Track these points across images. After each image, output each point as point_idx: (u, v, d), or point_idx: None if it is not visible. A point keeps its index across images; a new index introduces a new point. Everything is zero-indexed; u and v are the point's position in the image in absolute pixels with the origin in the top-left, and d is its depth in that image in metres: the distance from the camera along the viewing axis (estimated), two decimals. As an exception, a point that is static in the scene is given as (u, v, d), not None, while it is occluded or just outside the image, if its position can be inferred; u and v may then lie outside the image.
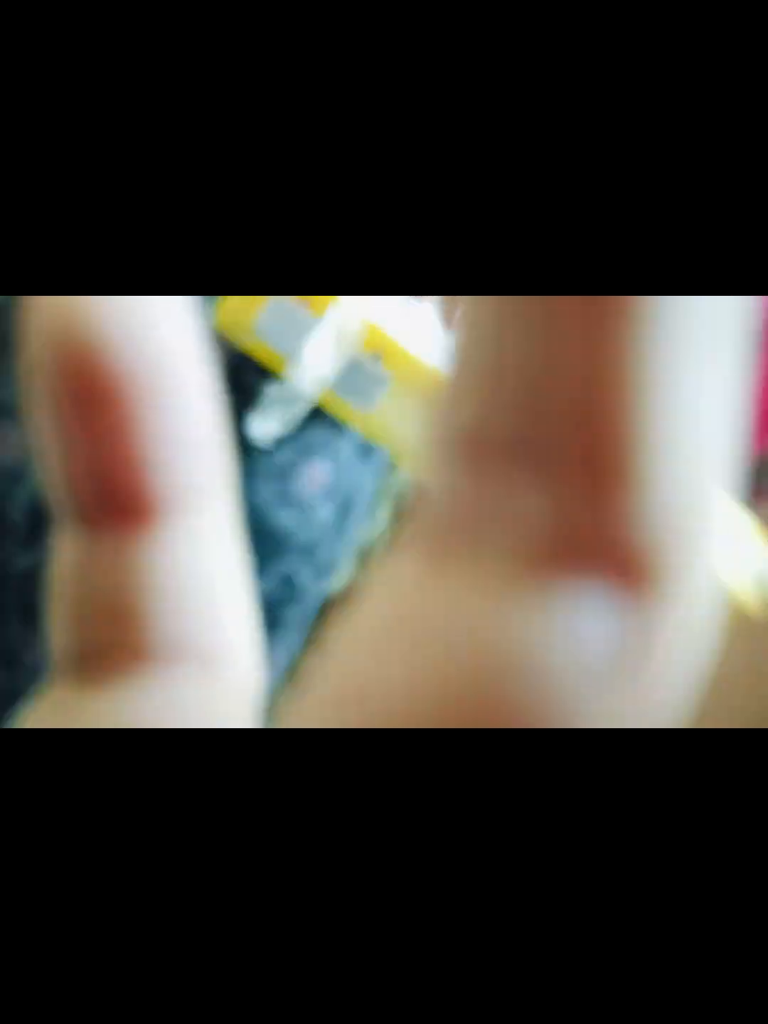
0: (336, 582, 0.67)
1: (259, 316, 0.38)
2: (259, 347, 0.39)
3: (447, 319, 0.41)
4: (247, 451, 0.52)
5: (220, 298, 0.39)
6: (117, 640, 0.09)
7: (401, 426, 0.40)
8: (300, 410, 0.39)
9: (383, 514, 1.80)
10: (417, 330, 0.39)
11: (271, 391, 0.39)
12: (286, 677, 1.60)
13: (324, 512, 0.58)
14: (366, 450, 0.59)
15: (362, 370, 0.38)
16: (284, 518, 0.56)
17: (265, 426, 0.40)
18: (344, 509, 0.60)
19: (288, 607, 0.62)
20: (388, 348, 0.38)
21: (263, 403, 0.40)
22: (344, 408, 0.40)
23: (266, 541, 0.56)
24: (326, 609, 0.69)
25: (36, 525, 0.54)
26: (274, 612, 0.62)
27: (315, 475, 0.56)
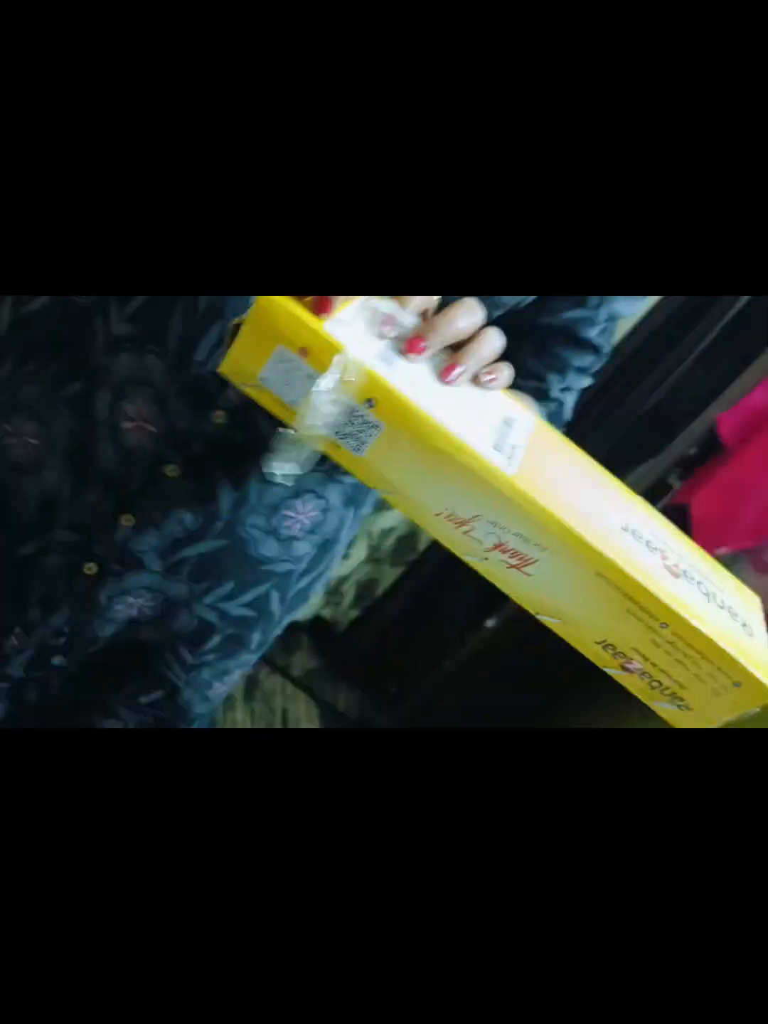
0: (302, 612, 0.67)
1: (265, 367, 0.39)
2: (262, 394, 0.40)
3: (444, 375, 0.41)
4: (246, 486, 0.54)
5: (228, 347, 0.40)
6: None
7: (391, 472, 0.40)
8: (313, 452, 0.40)
9: (357, 553, 1.78)
10: (415, 383, 0.40)
11: (285, 435, 0.40)
12: (239, 689, 1.57)
13: (304, 548, 0.60)
14: (354, 497, 0.61)
15: (355, 416, 0.39)
16: (267, 548, 0.58)
17: (284, 468, 0.41)
18: (323, 548, 0.62)
19: (254, 629, 0.63)
20: (383, 398, 0.38)
21: (278, 446, 0.40)
22: (336, 450, 0.40)
23: (248, 567, 0.58)
24: (286, 634, 0.69)
25: (40, 517, 0.54)
26: (241, 631, 0.63)
27: (303, 513, 0.57)
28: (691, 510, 1.38)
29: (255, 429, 0.46)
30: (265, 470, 0.40)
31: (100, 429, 0.52)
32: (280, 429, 0.40)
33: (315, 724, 1.87)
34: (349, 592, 1.88)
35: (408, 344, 0.41)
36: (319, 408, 0.38)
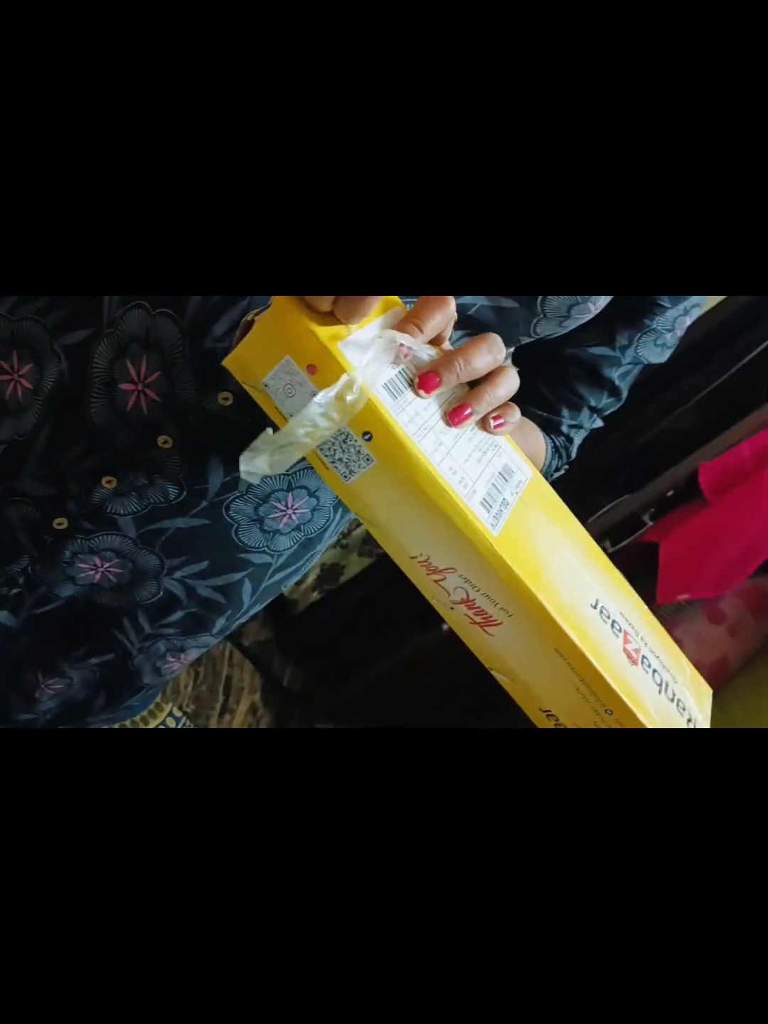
0: (267, 604, 0.65)
1: (269, 374, 0.37)
2: (262, 397, 0.39)
3: (452, 419, 0.40)
4: (238, 475, 0.51)
5: (237, 342, 0.38)
6: None
7: (375, 506, 0.39)
8: (289, 459, 0.38)
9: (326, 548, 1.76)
10: (418, 419, 0.38)
11: (268, 436, 0.37)
12: (189, 670, 1.54)
13: (286, 543, 0.57)
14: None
15: (350, 444, 0.37)
16: (250, 536, 0.55)
17: (252, 465, 0.38)
18: (304, 546, 0.59)
19: (220, 614, 0.60)
20: (381, 434, 0.37)
21: (258, 444, 0.37)
22: (325, 469, 0.39)
23: (227, 550, 0.55)
24: (252, 621, 0.67)
25: (8, 461, 0.50)
26: (206, 613, 0.59)
27: (292, 508, 0.54)
28: (660, 555, 1.38)
29: (260, 418, 0.43)
30: (241, 464, 0.38)
31: (94, 384, 0.47)
32: (268, 429, 0.38)
33: (256, 695, 1.85)
34: (312, 573, 1.85)
35: (422, 380, 0.39)
36: (313, 420, 0.36)
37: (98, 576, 0.54)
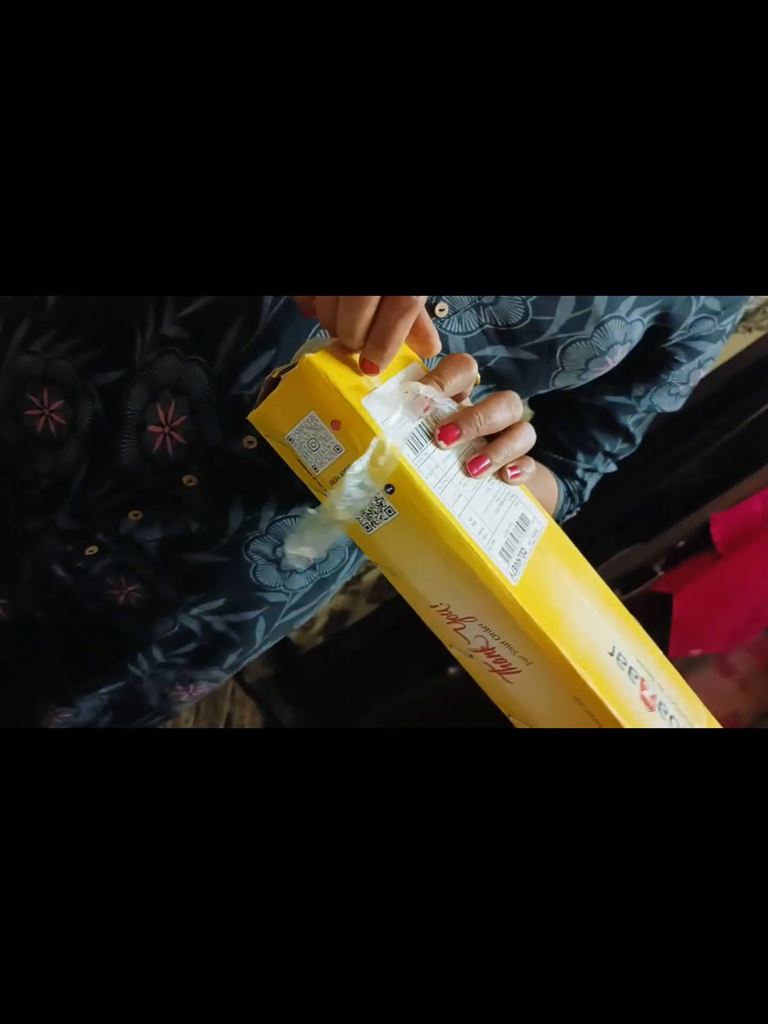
0: (278, 641, 0.66)
1: (294, 429, 0.39)
2: (286, 450, 0.40)
3: (471, 470, 0.41)
4: (259, 511, 0.52)
5: (260, 399, 0.40)
6: None
7: (395, 557, 0.40)
8: (333, 538, 0.39)
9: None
10: (438, 471, 0.39)
11: (310, 517, 0.38)
12: (196, 706, 1.53)
13: (301, 582, 0.59)
14: None
15: (372, 496, 0.38)
16: (267, 576, 0.56)
17: (300, 550, 0.39)
18: (319, 585, 0.60)
19: (233, 650, 0.62)
20: (404, 488, 0.37)
21: (301, 527, 0.39)
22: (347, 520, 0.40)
23: (244, 589, 0.56)
24: (256, 659, 0.68)
25: (51, 495, 0.52)
26: (218, 649, 0.61)
27: None
28: (673, 609, 1.39)
29: (282, 460, 0.45)
30: (287, 549, 0.39)
31: (127, 426, 0.49)
32: (309, 510, 0.39)
33: (257, 735, 1.84)
34: (321, 618, 1.85)
35: (442, 432, 0.40)
36: (349, 492, 0.37)
37: (122, 598, 0.56)
